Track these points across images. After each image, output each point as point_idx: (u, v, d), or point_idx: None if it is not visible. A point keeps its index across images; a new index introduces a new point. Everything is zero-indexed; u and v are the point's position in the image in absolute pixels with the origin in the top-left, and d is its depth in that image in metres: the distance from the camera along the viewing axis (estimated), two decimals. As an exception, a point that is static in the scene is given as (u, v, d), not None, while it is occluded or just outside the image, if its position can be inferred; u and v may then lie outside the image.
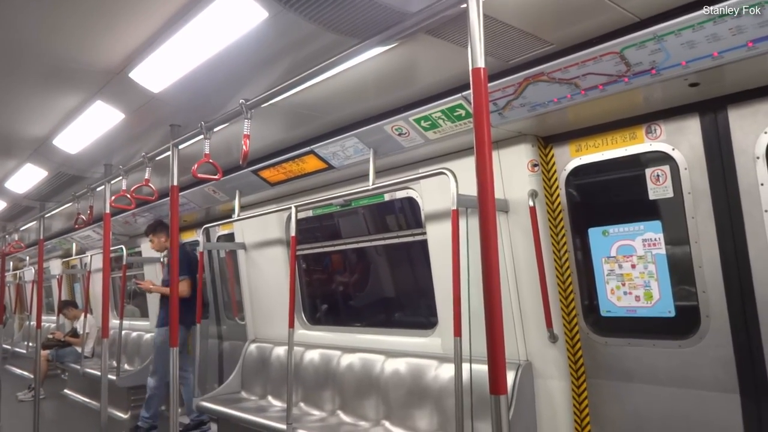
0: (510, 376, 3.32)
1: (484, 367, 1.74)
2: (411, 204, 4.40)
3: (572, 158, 3.34)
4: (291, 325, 4.23)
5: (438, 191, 3.68)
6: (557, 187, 3.39)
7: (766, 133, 2.63)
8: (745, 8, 2.10)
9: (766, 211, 2.64)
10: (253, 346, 5.50)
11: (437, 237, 3.81)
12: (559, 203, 3.38)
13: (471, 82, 1.66)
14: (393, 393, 4.01)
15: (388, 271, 5.48)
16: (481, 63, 1.65)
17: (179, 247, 5.69)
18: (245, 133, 2.83)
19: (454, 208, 3.11)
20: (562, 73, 2.69)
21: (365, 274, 5.74)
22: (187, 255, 5.72)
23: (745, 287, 2.73)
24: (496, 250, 1.61)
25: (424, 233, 3.97)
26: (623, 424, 3.18)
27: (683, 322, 2.94)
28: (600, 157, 3.22)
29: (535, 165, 3.36)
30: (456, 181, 3.19)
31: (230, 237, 5.94)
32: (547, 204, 3.38)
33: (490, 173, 1.62)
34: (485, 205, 1.57)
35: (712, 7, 2.17)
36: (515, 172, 3.40)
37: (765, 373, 2.68)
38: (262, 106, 2.90)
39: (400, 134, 3.54)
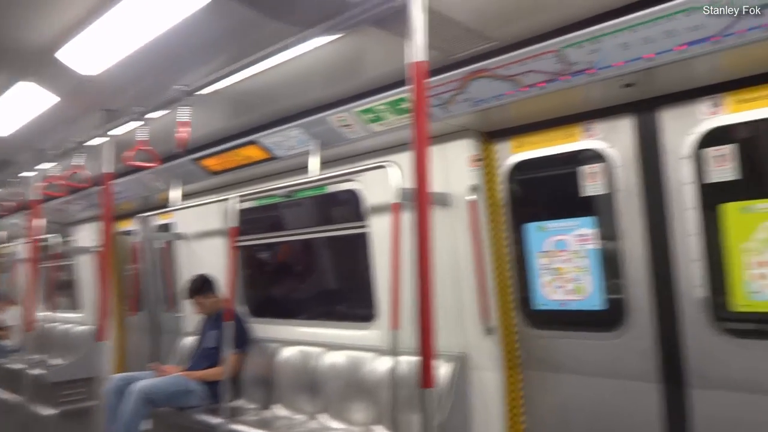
0: (447, 368, 3.37)
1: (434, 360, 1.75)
2: (356, 196, 4.38)
3: (512, 154, 3.40)
4: (230, 317, 4.15)
5: (382, 184, 3.68)
6: (498, 183, 3.45)
7: (691, 134, 2.76)
8: (677, 12, 2.19)
9: (690, 209, 2.77)
10: (190, 339, 5.37)
11: (380, 230, 3.81)
12: (500, 198, 3.44)
13: (410, 76, 1.66)
14: (331, 386, 4.00)
15: (332, 264, 5.46)
16: (420, 57, 1.65)
17: None
18: (183, 119, 2.75)
19: (396, 201, 3.12)
20: (505, 69, 2.73)
21: (308, 267, 5.70)
22: None
23: (669, 282, 2.86)
24: (430, 244, 1.62)
25: (367, 226, 3.97)
26: (554, 414, 3.28)
27: (612, 315, 3.04)
28: (539, 154, 3.29)
29: (478, 160, 3.41)
30: (401, 173, 3.20)
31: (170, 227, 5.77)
32: (488, 199, 3.43)
33: (427, 167, 1.63)
34: (421, 199, 1.58)
35: (646, 10, 2.25)
36: (458, 166, 3.44)
37: (684, 364, 2.82)
38: (203, 93, 2.82)
39: (344, 126, 3.51)
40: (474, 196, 3.33)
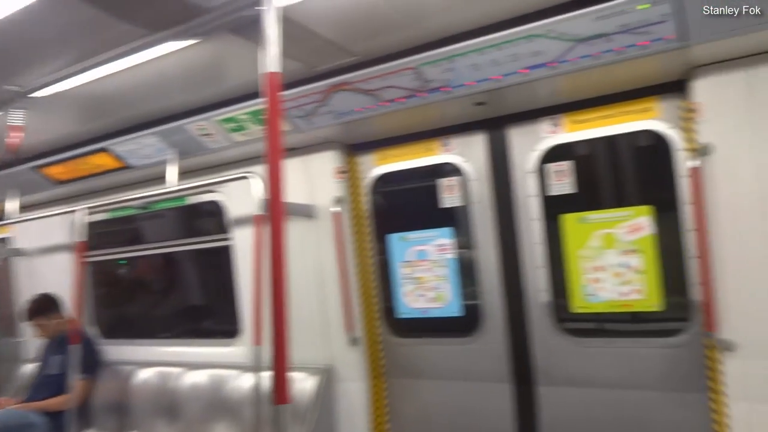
0: (312, 382, 3.35)
1: (288, 375, 1.71)
2: (220, 208, 4.23)
3: (376, 166, 3.48)
4: (76, 340, 3.81)
5: (246, 195, 3.58)
6: (362, 194, 3.50)
7: (535, 151, 2.99)
8: (519, 38, 2.38)
9: (535, 219, 3.00)
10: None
11: (243, 242, 3.70)
12: (364, 210, 3.50)
13: (264, 87, 1.63)
14: (192, 407, 3.80)
15: (195, 278, 5.21)
16: (274, 67, 1.63)
17: None
18: (15, 123, 2.49)
19: (258, 213, 3.05)
20: (366, 84, 2.78)
21: (169, 282, 5.39)
22: None
23: (518, 288, 3.07)
24: (284, 256, 1.59)
25: (231, 238, 3.84)
26: (417, 418, 3.38)
27: (469, 321, 3.21)
28: (401, 167, 3.39)
29: (342, 172, 3.44)
30: (264, 185, 3.13)
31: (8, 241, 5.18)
32: (353, 210, 3.47)
33: (282, 179, 1.60)
34: (275, 211, 1.55)
35: (494, 35, 2.41)
36: (323, 178, 3.44)
37: (532, 364, 3.04)
38: (41, 94, 2.57)
39: (204, 135, 3.38)
40: (338, 208, 3.35)
